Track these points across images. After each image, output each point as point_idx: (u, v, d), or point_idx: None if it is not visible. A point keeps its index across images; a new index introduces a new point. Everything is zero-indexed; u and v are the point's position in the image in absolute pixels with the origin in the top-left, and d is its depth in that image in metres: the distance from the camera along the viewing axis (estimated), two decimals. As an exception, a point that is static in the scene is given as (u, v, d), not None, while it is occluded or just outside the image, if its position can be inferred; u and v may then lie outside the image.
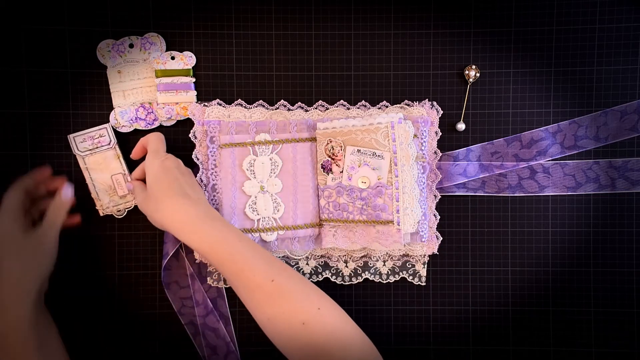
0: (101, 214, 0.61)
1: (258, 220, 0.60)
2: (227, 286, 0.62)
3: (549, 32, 0.62)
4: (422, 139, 0.60)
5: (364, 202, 0.57)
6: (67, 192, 0.57)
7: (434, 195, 0.62)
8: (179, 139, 0.62)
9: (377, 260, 0.62)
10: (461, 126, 0.62)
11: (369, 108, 0.62)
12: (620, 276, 0.63)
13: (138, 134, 0.61)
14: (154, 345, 0.63)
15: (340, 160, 0.58)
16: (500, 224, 0.63)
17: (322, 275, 0.62)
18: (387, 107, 0.62)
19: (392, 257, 0.62)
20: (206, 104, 0.61)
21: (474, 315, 0.64)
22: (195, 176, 0.59)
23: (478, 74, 0.62)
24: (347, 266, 0.62)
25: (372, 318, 0.64)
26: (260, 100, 0.62)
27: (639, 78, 0.62)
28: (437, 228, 0.62)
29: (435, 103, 0.62)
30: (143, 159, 0.58)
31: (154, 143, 0.56)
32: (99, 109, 0.61)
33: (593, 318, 0.63)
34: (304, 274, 0.62)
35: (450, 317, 0.64)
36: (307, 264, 0.62)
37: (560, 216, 0.63)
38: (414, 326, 0.64)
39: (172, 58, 0.61)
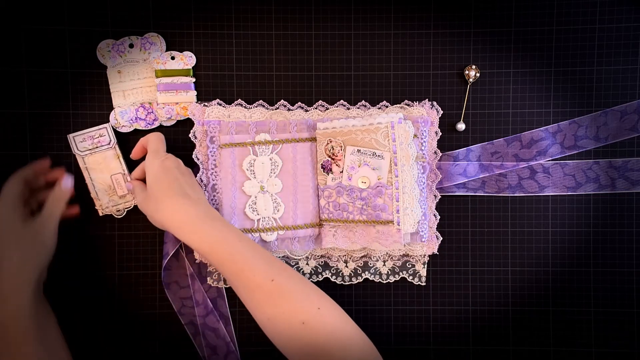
0: (100, 214, 0.61)
1: (258, 220, 0.60)
2: (227, 286, 0.62)
3: (549, 32, 0.62)
4: (422, 139, 0.60)
5: (364, 202, 0.57)
6: (66, 183, 0.57)
7: (434, 195, 0.62)
8: (179, 139, 0.62)
9: (377, 260, 0.62)
10: (461, 126, 0.62)
11: (369, 108, 0.62)
12: (620, 276, 0.63)
13: (138, 134, 0.61)
14: (154, 345, 0.63)
15: (340, 160, 0.58)
16: (500, 224, 0.63)
17: (322, 275, 0.62)
18: (387, 107, 0.62)
19: (392, 257, 0.62)
20: (206, 104, 0.61)
21: (474, 315, 0.64)
22: (195, 176, 0.59)
23: (478, 74, 0.62)
24: (347, 266, 0.62)
25: (372, 318, 0.63)
26: (260, 100, 0.62)
27: (639, 78, 0.62)
28: (437, 228, 0.62)
29: (435, 103, 0.62)
30: (143, 159, 0.58)
31: (154, 143, 0.56)
32: (99, 109, 0.61)
33: (593, 318, 0.63)
34: (304, 274, 0.62)
35: (450, 317, 0.64)
36: (307, 264, 0.62)
37: (560, 216, 0.63)
38: (414, 326, 0.64)
39: (172, 58, 0.61)
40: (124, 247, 0.62)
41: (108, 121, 0.61)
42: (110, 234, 0.62)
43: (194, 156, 0.60)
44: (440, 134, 0.62)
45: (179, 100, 0.61)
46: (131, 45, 0.61)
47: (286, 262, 0.61)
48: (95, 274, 0.62)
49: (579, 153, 0.63)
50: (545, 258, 0.63)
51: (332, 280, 0.62)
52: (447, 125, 0.63)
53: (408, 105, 0.62)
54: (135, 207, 0.61)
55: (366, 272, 0.62)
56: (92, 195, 0.61)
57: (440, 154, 0.62)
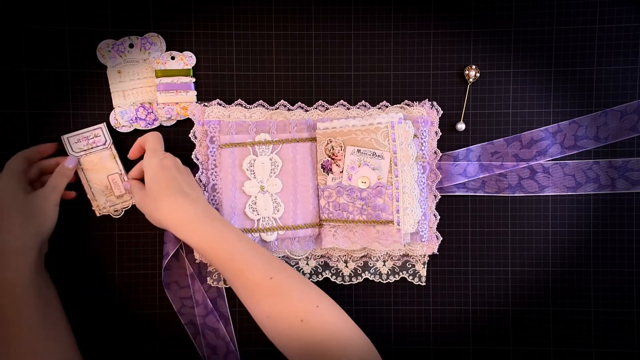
0: (98, 214, 0.61)
1: (258, 220, 0.60)
2: (227, 286, 0.62)
3: (549, 32, 0.62)
4: (422, 139, 0.60)
5: (364, 202, 0.57)
6: (71, 161, 0.59)
7: (434, 195, 0.62)
8: (179, 139, 0.62)
9: (377, 260, 0.62)
10: (461, 126, 0.62)
11: (369, 108, 0.62)
12: (620, 276, 0.63)
13: (138, 134, 0.61)
14: (154, 345, 0.63)
15: (340, 160, 0.58)
16: (500, 224, 0.63)
17: (322, 275, 0.62)
18: (387, 107, 0.62)
19: (392, 257, 0.62)
20: (206, 104, 0.61)
21: (474, 315, 0.63)
22: (195, 176, 0.59)
23: (478, 74, 0.62)
24: (347, 266, 0.62)
25: (372, 318, 0.63)
26: (260, 100, 0.62)
27: (639, 78, 0.62)
28: (437, 228, 0.62)
29: (435, 103, 0.62)
30: (141, 159, 0.58)
31: (152, 142, 0.56)
32: (99, 109, 0.61)
33: (593, 318, 0.63)
34: (304, 274, 0.62)
35: (450, 317, 0.64)
36: (307, 264, 0.62)
37: (560, 216, 0.63)
38: (414, 326, 0.64)
39: (172, 58, 0.61)
40: (123, 247, 0.62)
41: (108, 121, 0.61)
42: (109, 234, 0.62)
43: (193, 156, 0.60)
44: (440, 134, 0.62)
45: (179, 100, 0.61)
46: (131, 45, 0.61)
47: (286, 262, 0.61)
48: (95, 274, 0.62)
49: (579, 153, 0.63)
50: (545, 258, 0.63)
51: (332, 280, 0.62)
52: (447, 125, 0.63)
53: (408, 105, 0.62)
54: (134, 206, 0.61)
55: (366, 272, 0.62)
56: (89, 196, 0.60)
57: (440, 154, 0.62)
